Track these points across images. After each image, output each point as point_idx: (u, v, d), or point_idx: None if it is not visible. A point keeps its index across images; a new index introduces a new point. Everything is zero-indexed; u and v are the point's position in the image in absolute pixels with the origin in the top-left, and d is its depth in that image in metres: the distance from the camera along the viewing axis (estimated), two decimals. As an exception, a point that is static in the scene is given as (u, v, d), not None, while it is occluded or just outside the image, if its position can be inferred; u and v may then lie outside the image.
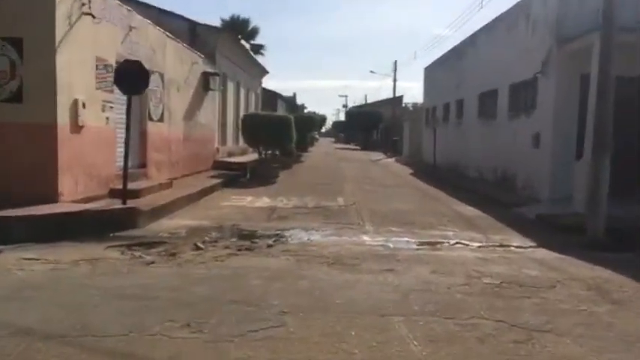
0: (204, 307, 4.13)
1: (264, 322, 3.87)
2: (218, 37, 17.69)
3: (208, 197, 11.93)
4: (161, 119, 12.22)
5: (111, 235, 7.27)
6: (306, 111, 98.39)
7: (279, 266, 5.79)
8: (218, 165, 17.44)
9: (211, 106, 17.22)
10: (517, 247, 7.93)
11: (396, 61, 44.21)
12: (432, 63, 27.08)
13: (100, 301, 4.15)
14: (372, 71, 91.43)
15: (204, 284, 4.85)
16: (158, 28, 11.95)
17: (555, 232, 9.39)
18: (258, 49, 34.01)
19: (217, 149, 18.59)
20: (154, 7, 17.18)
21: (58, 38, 7.60)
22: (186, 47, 14.13)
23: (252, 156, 19.84)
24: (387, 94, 50.71)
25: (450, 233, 8.79)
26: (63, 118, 7.85)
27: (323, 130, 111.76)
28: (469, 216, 10.84)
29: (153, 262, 5.61)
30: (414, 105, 36.66)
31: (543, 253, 7.53)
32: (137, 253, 6.19)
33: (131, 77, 7.87)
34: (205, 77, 16.08)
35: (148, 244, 6.84)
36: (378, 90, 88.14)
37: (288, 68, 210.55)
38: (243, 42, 33.98)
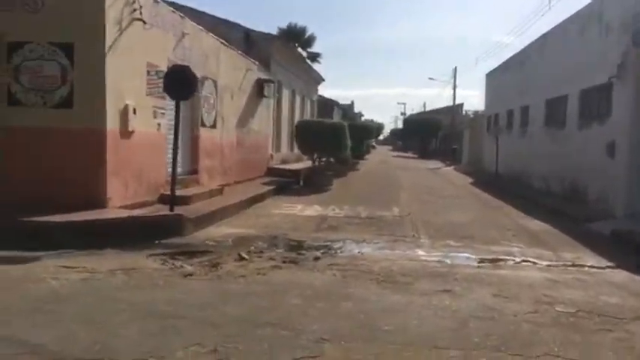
0: (236, 330, 3.75)
1: (300, 350, 3.44)
2: (272, 45, 17.60)
3: (259, 205, 11.69)
4: (214, 125, 12.13)
5: (156, 242, 7.09)
6: (363, 119, 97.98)
7: (324, 283, 5.35)
8: (272, 172, 17.27)
9: (265, 112, 17.10)
10: (592, 267, 7.11)
11: (455, 68, 43.02)
12: (495, 69, 25.95)
13: (126, 318, 3.86)
14: (430, 78, 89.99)
15: (240, 301, 4.49)
16: (212, 34, 11.89)
17: (634, 251, 8.43)
18: (314, 57, 33.88)
19: (271, 156, 18.46)
20: (209, 15, 17.34)
21: (108, 43, 7.57)
22: (240, 54, 14.05)
23: (306, 163, 19.55)
24: (447, 102, 49.35)
25: (515, 249, 8.06)
26: (113, 123, 7.80)
27: (381, 137, 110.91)
28: (535, 230, 10.00)
29: (191, 274, 5.32)
30: (475, 112, 35.41)
31: (623, 275, 6.68)
32: (178, 263, 5.94)
33: (179, 82, 7.71)
34: (259, 84, 15.98)
35: (192, 253, 6.59)
36: (437, 97, 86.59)
37: (346, 77, 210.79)
38: (299, 50, 34.07)
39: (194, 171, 11.21)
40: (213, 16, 17.51)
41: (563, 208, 12.90)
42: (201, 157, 11.41)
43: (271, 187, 14.01)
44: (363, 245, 7.80)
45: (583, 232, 10.05)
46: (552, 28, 16.72)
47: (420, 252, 7.53)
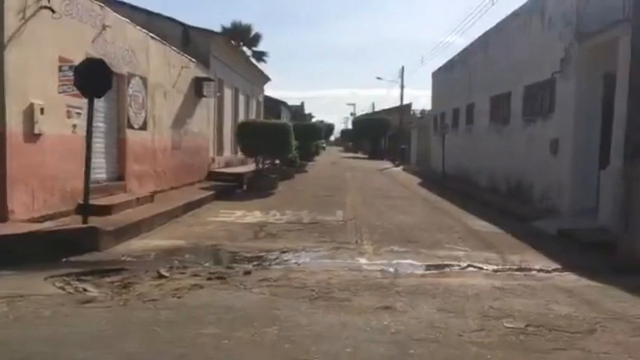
0: (128, 375, 3.06)
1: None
2: (211, 41, 16.73)
3: (195, 212, 10.89)
4: (144, 127, 11.22)
5: (64, 260, 6.24)
6: (313, 120, 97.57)
7: (249, 304, 4.69)
8: (213, 176, 16.42)
9: (205, 113, 16.24)
10: (540, 270, 6.79)
11: (403, 67, 43.11)
12: (440, 67, 26.00)
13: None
14: (378, 77, 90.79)
15: (142, 335, 3.76)
16: (140, 28, 10.98)
17: (581, 250, 8.25)
18: (260, 56, 33.13)
19: (212, 159, 17.58)
20: (143, 10, 16.30)
21: (7, 34, 6.63)
22: (174, 50, 13.17)
23: (250, 166, 18.78)
24: (395, 102, 49.50)
25: (461, 253, 7.67)
26: (14, 125, 6.85)
27: (332, 139, 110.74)
28: (482, 232, 9.69)
29: (91, 301, 4.53)
30: (422, 112, 35.58)
31: (571, 279, 6.38)
32: (82, 286, 5.13)
33: (92, 78, 6.85)
34: (198, 83, 15.11)
35: (103, 272, 5.78)
36: (385, 98, 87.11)
37: (295, 78, 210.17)
38: (245, 48, 33.18)
39: (120, 177, 10.28)
40: (148, 11, 16.48)
41: (509, 207, 12.76)
42: (129, 161, 10.49)
43: (210, 193, 13.20)
44: (301, 255, 7.19)
45: (529, 231, 9.85)
46: (495, 25, 16.70)
47: (362, 260, 7.00)
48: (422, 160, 30.98)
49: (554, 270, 6.83)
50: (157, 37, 11.92)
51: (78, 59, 8.20)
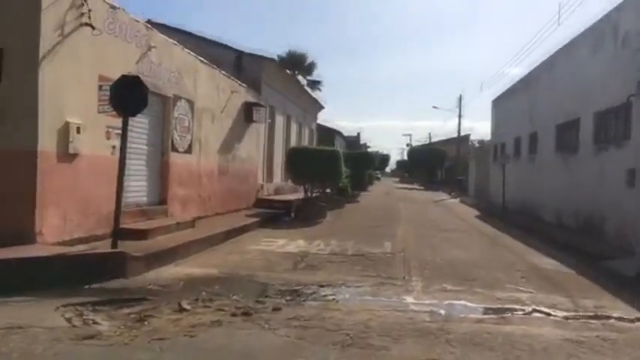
0: None
1: None
2: (263, 67, 16.62)
3: (236, 239, 10.45)
4: (189, 151, 11.00)
5: (86, 287, 5.86)
6: (369, 150, 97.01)
7: (268, 349, 4.04)
8: (261, 203, 16.06)
9: (254, 139, 16.01)
10: (620, 319, 5.76)
11: (460, 95, 42.00)
12: (501, 95, 24.88)
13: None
14: (434, 107, 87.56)
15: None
16: (188, 51, 10.87)
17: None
18: (315, 84, 33.10)
19: (261, 186, 17.27)
20: (197, 36, 16.48)
21: (44, 50, 6.50)
22: (224, 75, 13.04)
23: (301, 194, 18.28)
24: (452, 133, 48.11)
25: (524, 295, 6.72)
26: (47, 144, 6.66)
27: (388, 170, 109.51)
28: (548, 270, 8.65)
29: (93, 336, 4.03)
30: (481, 142, 34.23)
31: (660, 331, 5.33)
32: (93, 317, 4.67)
33: (127, 95, 6.58)
34: (248, 108, 14.95)
35: (122, 302, 5.34)
36: (441, 128, 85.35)
37: (351, 108, 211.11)
38: (300, 77, 33.29)
39: (162, 201, 10.02)
40: (203, 38, 16.66)
41: (577, 243, 11.53)
42: (172, 185, 10.23)
43: (255, 220, 12.78)
44: (341, 290, 6.51)
45: (602, 272, 8.71)
46: (562, 47, 15.63)
47: (409, 299, 6.21)
48: (480, 192, 29.57)
49: (637, 319, 5.79)
50: (206, 61, 11.79)
51: (120, 80, 8.05)
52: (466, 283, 7.25)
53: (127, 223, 8.38)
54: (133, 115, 6.77)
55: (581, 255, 10.50)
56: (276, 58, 33.45)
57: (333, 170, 15.45)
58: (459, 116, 40.96)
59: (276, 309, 5.32)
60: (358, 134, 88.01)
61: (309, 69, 33.02)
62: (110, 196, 7.93)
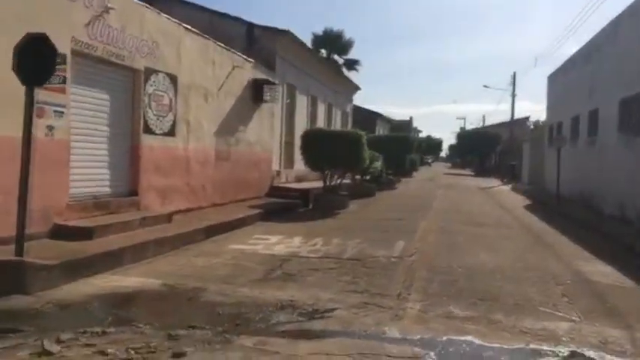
0: None
1: None
2: (277, 40, 14.93)
3: (222, 236, 8.94)
4: (171, 133, 9.54)
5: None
6: (420, 135, 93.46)
7: None
8: (276, 192, 14.53)
9: (267, 120, 14.42)
10: None
11: (514, 73, 38.74)
12: (557, 69, 22.08)
13: None
14: (485, 86, 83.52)
15: None
16: (168, 17, 9.34)
17: None
18: (352, 64, 31.05)
19: (277, 173, 15.72)
20: (208, 10, 15.02)
21: None
22: (222, 47, 11.45)
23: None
24: (508, 116, 44.64)
25: (563, 325, 4.83)
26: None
27: (443, 155, 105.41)
28: (601, 284, 6.60)
29: None
30: (536, 123, 31.21)
31: None
32: None
33: (32, 59, 5.09)
34: (257, 86, 13.36)
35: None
36: (497, 112, 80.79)
37: (404, 94, 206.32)
38: (336, 57, 31.38)
39: (133, 192, 8.61)
40: (213, 11, 15.19)
41: (645, 244, 9.25)
42: (145, 173, 8.80)
43: (257, 212, 11.23)
44: (302, 315, 4.81)
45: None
46: (629, 6, 13.02)
47: (393, 332, 4.45)
48: (535, 179, 26.83)
49: None
50: (194, 30, 10.23)
51: (62, 47, 6.61)
52: (483, 305, 5.38)
53: (72, 219, 7.01)
54: (38, 84, 5.27)
55: (646, 260, 8.34)
56: (311, 37, 31.91)
57: (353, 155, 13.64)
58: (513, 95, 37.77)
59: (177, 355, 3.70)
60: (411, 118, 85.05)
61: (344, 47, 30.96)
62: (49, 186, 6.58)
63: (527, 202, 19.25)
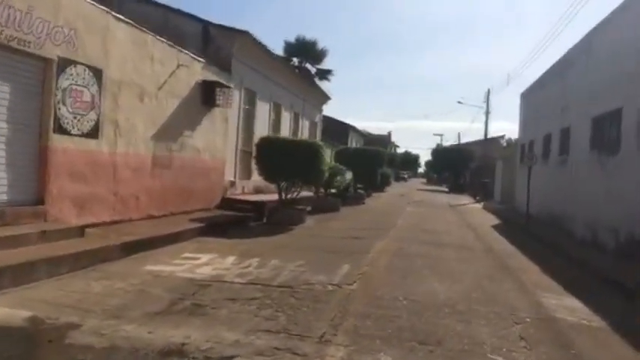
0: None
1: None
2: (234, 41, 13.91)
3: (146, 253, 7.81)
4: (93, 134, 8.39)
5: None
6: (398, 150, 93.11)
7: None
8: (228, 204, 13.42)
9: (220, 126, 13.35)
10: None
11: (488, 90, 38.40)
12: (530, 87, 21.54)
13: None
14: (459, 102, 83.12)
15: None
16: (92, 2, 8.24)
17: None
18: (325, 73, 30.18)
19: (231, 183, 14.63)
20: (162, 5, 14.00)
21: None
22: (163, 42, 10.39)
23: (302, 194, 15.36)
24: (482, 133, 44.37)
25: (514, 386, 3.84)
26: None
27: (421, 170, 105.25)
28: (565, 322, 5.68)
29: None
30: (509, 141, 30.74)
31: None
32: None
33: None
34: (208, 88, 12.29)
35: None
36: (475, 130, 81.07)
37: (382, 109, 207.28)
38: (308, 66, 30.52)
39: (39, 200, 7.43)
40: (166, 6, 14.15)
41: (616, 273, 8.42)
42: (56, 179, 7.64)
43: (197, 226, 10.11)
44: (184, 369, 3.75)
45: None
46: (602, 21, 12.40)
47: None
48: (507, 197, 26.23)
49: None
50: (127, 19, 9.15)
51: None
52: (422, 351, 4.39)
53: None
54: None
55: (619, 292, 7.48)
56: (283, 45, 30.97)
57: (311, 167, 12.65)
58: (487, 112, 37.40)
59: None
60: (389, 133, 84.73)
61: (319, 57, 30.10)
62: None
63: (497, 221, 18.50)
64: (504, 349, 4.62)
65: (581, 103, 13.57)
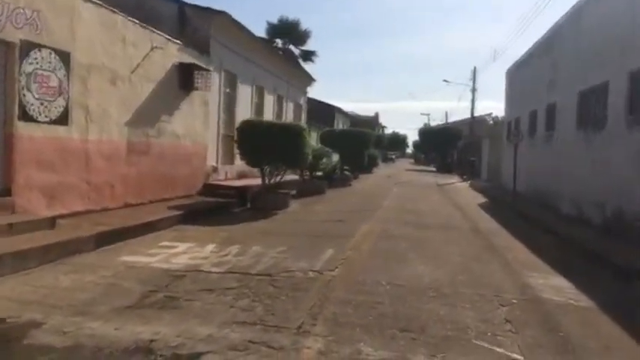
0: None
1: None
2: (212, 22, 13.47)
3: (120, 244, 7.52)
4: (62, 121, 8.04)
5: None
6: (386, 131, 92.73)
7: None
8: (210, 190, 13.12)
9: (200, 111, 12.99)
10: None
11: (475, 68, 38.13)
12: (516, 62, 21.32)
13: None
14: (445, 80, 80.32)
15: None
16: (57, -19, 7.82)
17: None
18: (308, 55, 29.70)
19: (214, 169, 14.32)
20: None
21: None
22: (135, 23, 9.97)
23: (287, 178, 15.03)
24: (475, 112, 44.09)
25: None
26: None
27: (409, 151, 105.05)
28: (553, 303, 5.53)
29: None
30: (495, 119, 30.62)
31: None
32: None
33: None
34: (185, 71, 11.91)
35: None
36: (457, 107, 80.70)
37: (371, 90, 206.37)
38: (291, 47, 30.00)
39: (4, 191, 7.10)
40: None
41: (602, 249, 8.32)
42: (23, 168, 7.31)
43: (176, 214, 9.83)
44: (149, 368, 3.53)
45: (637, 301, 5.60)
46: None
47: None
48: (493, 175, 26.19)
49: None
50: (96, 0, 8.74)
51: None
52: (403, 340, 4.20)
53: None
54: None
55: (606, 268, 7.39)
56: (266, 26, 30.38)
57: (294, 150, 12.36)
58: (473, 90, 37.22)
59: None
60: (376, 114, 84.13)
61: (302, 38, 29.57)
62: None
63: (483, 199, 18.41)
64: (489, 334, 4.45)
65: (568, 78, 13.39)
